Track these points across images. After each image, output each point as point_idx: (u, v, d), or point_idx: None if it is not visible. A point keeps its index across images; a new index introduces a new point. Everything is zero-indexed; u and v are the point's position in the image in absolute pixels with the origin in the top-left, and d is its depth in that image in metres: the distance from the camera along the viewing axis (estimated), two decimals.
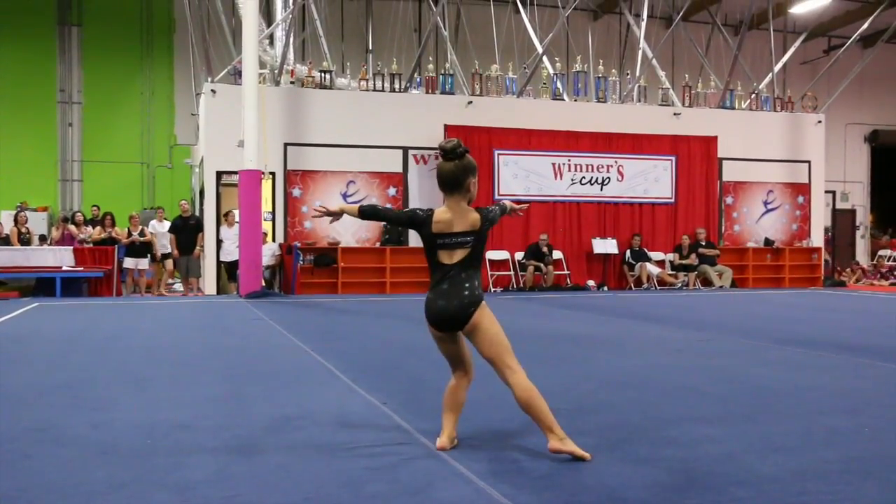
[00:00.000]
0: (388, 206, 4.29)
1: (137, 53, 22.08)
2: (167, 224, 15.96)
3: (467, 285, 3.96)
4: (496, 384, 4.82)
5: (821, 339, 8.75)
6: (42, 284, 14.78)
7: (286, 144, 16.03)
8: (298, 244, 15.69)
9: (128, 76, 22.03)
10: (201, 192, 16.98)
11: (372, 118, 16.51)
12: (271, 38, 17.57)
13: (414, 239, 16.69)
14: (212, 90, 15.78)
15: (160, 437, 4.32)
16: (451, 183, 3.99)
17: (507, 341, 4.02)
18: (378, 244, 16.44)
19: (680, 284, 17.48)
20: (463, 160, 4.02)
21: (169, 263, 15.88)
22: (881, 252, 24.61)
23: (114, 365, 6.86)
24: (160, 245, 15.76)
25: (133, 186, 21.88)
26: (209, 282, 15.87)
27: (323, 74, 16.81)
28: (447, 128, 16.51)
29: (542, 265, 16.34)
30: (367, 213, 4.17)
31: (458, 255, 3.97)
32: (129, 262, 15.56)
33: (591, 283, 17.15)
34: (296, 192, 16.13)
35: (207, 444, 4.17)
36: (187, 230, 15.84)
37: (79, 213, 16.87)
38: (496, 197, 16.69)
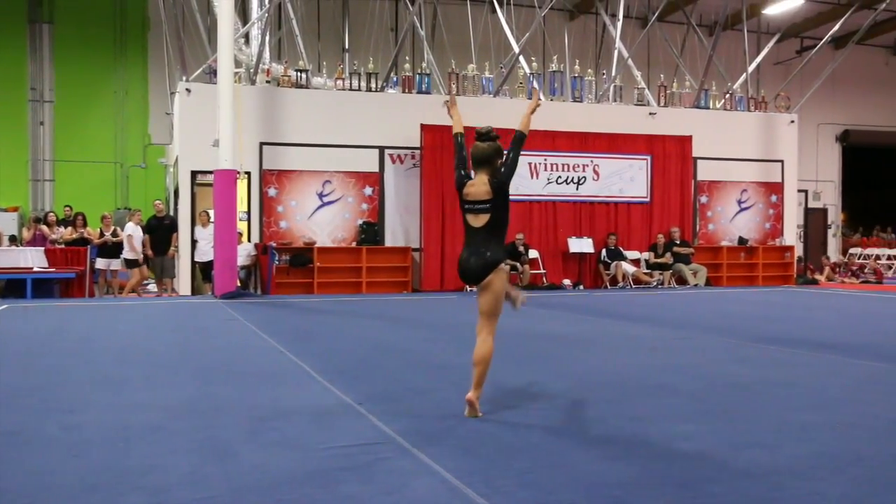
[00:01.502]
0: (464, 155, 4.80)
1: (111, 51, 21.89)
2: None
3: (488, 247, 4.69)
4: (466, 383, 4.82)
5: (794, 336, 8.83)
6: (12, 286, 14.61)
7: (262, 144, 15.95)
8: (274, 244, 15.62)
9: (101, 74, 21.84)
10: (176, 192, 16.85)
11: (348, 118, 16.46)
12: (247, 36, 17.47)
13: (390, 238, 16.68)
14: (186, 89, 15.67)
15: (133, 438, 4.29)
16: (483, 160, 4.75)
17: (502, 309, 4.78)
18: (354, 244, 16.40)
19: (655, 283, 17.57)
20: (495, 143, 4.76)
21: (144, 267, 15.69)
22: (852, 250, 24.92)
23: (86, 367, 6.80)
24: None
25: (106, 186, 21.69)
26: (183, 282, 15.76)
27: (299, 73, 16.74)
28: (423, 127, 16.51)
29: (518, 264, 16.37)
30: (458, 142, 5.06)
31: (482, 219, 4.73)
32: (101, 263, 15.41)
33: (566, 282, 17.21)
34: (271, 191, 16.06)
35: (181, 446, 4.15)
36: (162, 230, 15.71)
37: (51, 214, 16.70)
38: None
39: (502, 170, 4.79)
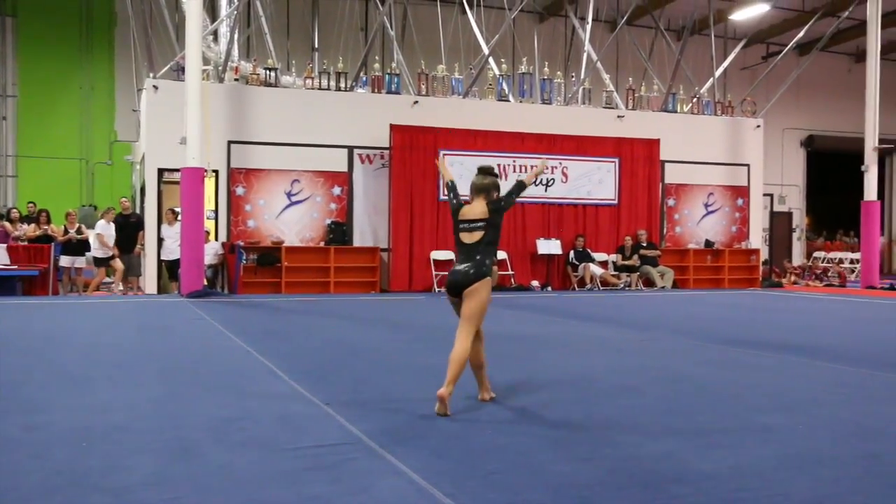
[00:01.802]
0: (460, 198, 5.37)
1: (76, 46, 21.61)
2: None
3: (478, 259, 5.06)
4: (434, 385, 4.83)
5: (758, 338, 8.92)
6: None
7: (230, 142, 15.84)
8: (241, 243, 15.52)
9: (66, 70, 21.55)
10: (142, 190, 16.69)
11: (317, 117, 16.39)
12: (215, 34, 17.34)
13: (359, 238, 16.64)
14: (154, 86, 15.52)
15: (96, 439, 4.24)
16: (481, 189, 5.26)
17: (483, 317, 5.09)
18: (322, 244, 16.34)
19: (622, 285, 17.68)
20: (494, 179, 5.32)
21: (118, 262, 15.50)
22: (816, 253, 25.25)
23: (49, 366, 6.70)
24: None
25: (71, 183, 21.41)
26: (150, 281, 15.60)
27: (268, 72, 16.65)
28: (393, 127, 16.49)
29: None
30: (451, 186, 5.55)
31: (476, 236, 5.13)
32: (65, 261, 15.21)
33: (535, 283, 17.26)
34: (239, 190, 15.95)
35: (146, 446, 4.10)
36: (128, 228, 15.55)
37: (14, 210, 16.45)
38: (441, 198, 16.72)
39: (498, 197, 5.25)
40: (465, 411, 4.93)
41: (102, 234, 15.21)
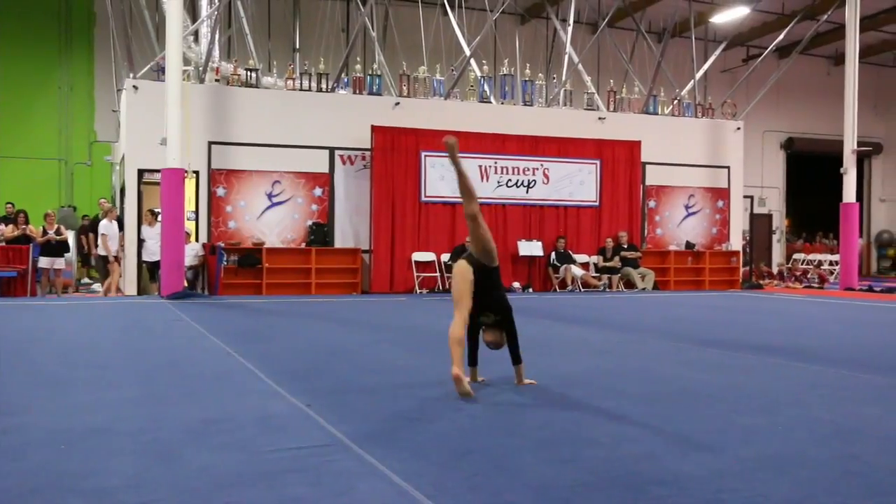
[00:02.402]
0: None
1: (55, 46, 21.44)
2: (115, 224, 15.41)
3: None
4: (415, 386, 4.82)
5: (738, 340, 8.97)
6: None
7: (210, 143, 15.77)
8: (222, 244, 15.45)
9: (45, 70, 21.36)
10: (122, 191, 16.58)
11: (298, 118, 16.36)
12: (196, 34, 17.26)
13: (340, 240, 16.60)
14: (134, 86, 15.43)
15: (75, 441, 4.21)
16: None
17: (458, 298, 5.59)
18: (303, 245, 16.29)
19: (603, 287, 17.74)
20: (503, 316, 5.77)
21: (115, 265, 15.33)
22: (796, 255, 25.43)
23: (27, 368, 6.65)
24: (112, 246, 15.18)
25: (50, 183, 21.23)
26: (129, 282, 15.50)
27: (249, 73, 16.59)
28: (374, 128, 16.47)
29: None
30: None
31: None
32: (44, 262, 15.08)
33: (516, 284, 17.28)
34: (220, 191, 15.89)
35: (125, 448, 4.07)
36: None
37: None
38: (423, 199, 16.72)
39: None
40: (445, 413, 4.93)
41: (107, 235, 15.02)
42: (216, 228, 15.87)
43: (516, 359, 5.81)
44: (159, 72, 15.53)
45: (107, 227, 15.16)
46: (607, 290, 17.67)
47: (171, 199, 13.98)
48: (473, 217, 5.69)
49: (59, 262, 15.29)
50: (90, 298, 14.75)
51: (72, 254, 16.61)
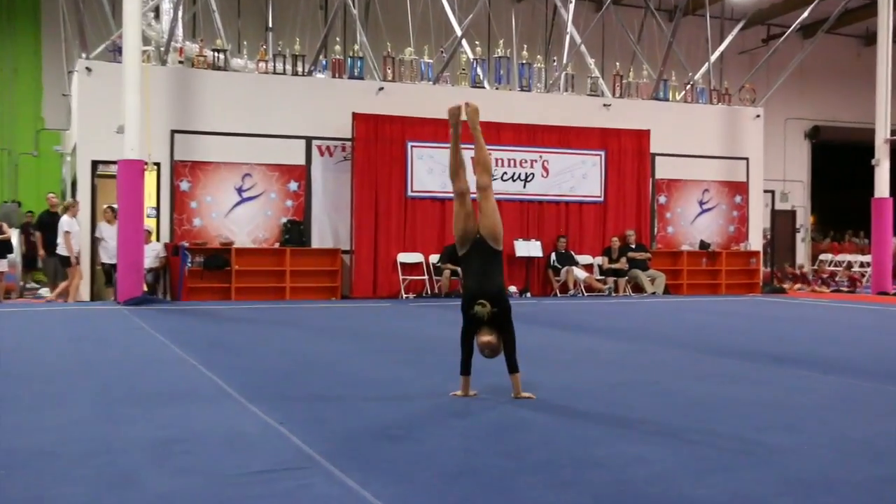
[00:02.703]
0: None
1: None
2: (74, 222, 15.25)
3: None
4: (402, 402, 4.81)
5: (759, 350, 8.98)
6: None
7: (173, 132, 15.71)
8: (186, 244, 15.39)
9: None
10: (73, 184, 16.52)
11: (271, 104, 16.30)
12: (157, 10, 17.22)
13: (318, 239, 16.56)
14: (87, 68, 15.37)
15: (17, 465, 4.17)
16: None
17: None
18: (277, 245, 16.25)
19: (608, 291, 17.75)
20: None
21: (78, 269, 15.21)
22: (822, 256, 25.48)
23: None
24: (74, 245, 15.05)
25: None
26: (82, 286, 15.43)
27: (216, 54, 16.54)
28: (356, 116, 16.44)
29: (459, 269, 16.35)
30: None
31: None
32: None
33: (512, 288, 17.26)
34: (184, 185, 15.83)
35: (75, 473, 4.04)
36: (56, 227, 15.34)
37: None
38: (409, 194, 16.69)
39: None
40: (434, 431, 4.91)
41: (70, 233, 14.85)
42: (179, 227, 15.81)
43: (512, 367, 5.78)
44: (115, 52, 15.47)
45: (69, 224, 14.98)
46: (613, 294, 17.68)
47: (128, 194, 13.92)
48: (486, 188, 6.06)
49: (2, 265, 15.19)
50: (37, 305, 14.68)
51: (16, 255, 16.50)
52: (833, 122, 27.70)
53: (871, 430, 5.18)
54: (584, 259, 18.00)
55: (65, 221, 15.08)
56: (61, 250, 15.00)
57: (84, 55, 15.62)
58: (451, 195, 5.53)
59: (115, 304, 14.08)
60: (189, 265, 15.25)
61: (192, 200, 15.87)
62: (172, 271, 15.38)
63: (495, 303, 5.64)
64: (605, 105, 18.66)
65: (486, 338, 5.65)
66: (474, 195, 6.14)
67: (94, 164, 15.39)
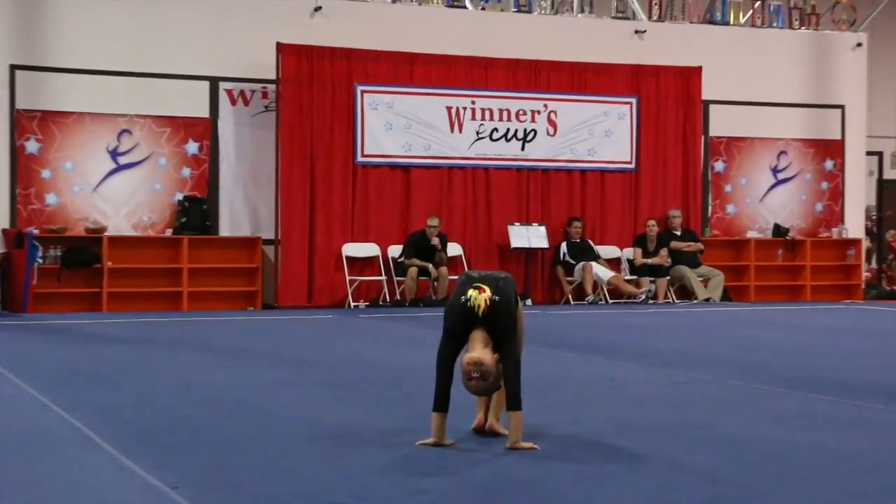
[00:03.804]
0: None
1: None
2: None
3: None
4: (345, 452, 4.80)
5: (858, 381, 9.03)
6: None
7: (13, 67, 15.63)
8: (35, 231, 15.28)
9: None
10: None
11: (160, 32, 16.23)
12: None
13: (228, 224, 16.49)
14: None
15: None
16: None
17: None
18: (169, 232, 16.18)
19: (644, 296, 17.78)
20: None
21: None
22: None
23: None
24: None
25: None
26: None
27: None
28: (281, 48, 16.35)
29: (429, 266, 16.37)
30: None
31: None
32: None
33: None
34: (31, 145, 15.74)
35: None
36: None
37: None
38: (359, 160, 16.60)
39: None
40: (399, 498, 4.89)
41: None
42: (25, 206, 15.72)
43: (513, 402, 5.65)
44: None
45: None
46: (650, 301, 17.72)
47: None
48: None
49: None
50: None
51: None
52: None
53: None
54: (607, 252, 18.03)
55: None
56: None
57: None
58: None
59: None
60: (40, 262, 15.16)
61: (43, 168, 15.77)
62: (14, 271, 15.27)
63: (498, 291, 5.57)
64: (637, 32, 18.68)
65: (476, 354, 5.55)
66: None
67: None
